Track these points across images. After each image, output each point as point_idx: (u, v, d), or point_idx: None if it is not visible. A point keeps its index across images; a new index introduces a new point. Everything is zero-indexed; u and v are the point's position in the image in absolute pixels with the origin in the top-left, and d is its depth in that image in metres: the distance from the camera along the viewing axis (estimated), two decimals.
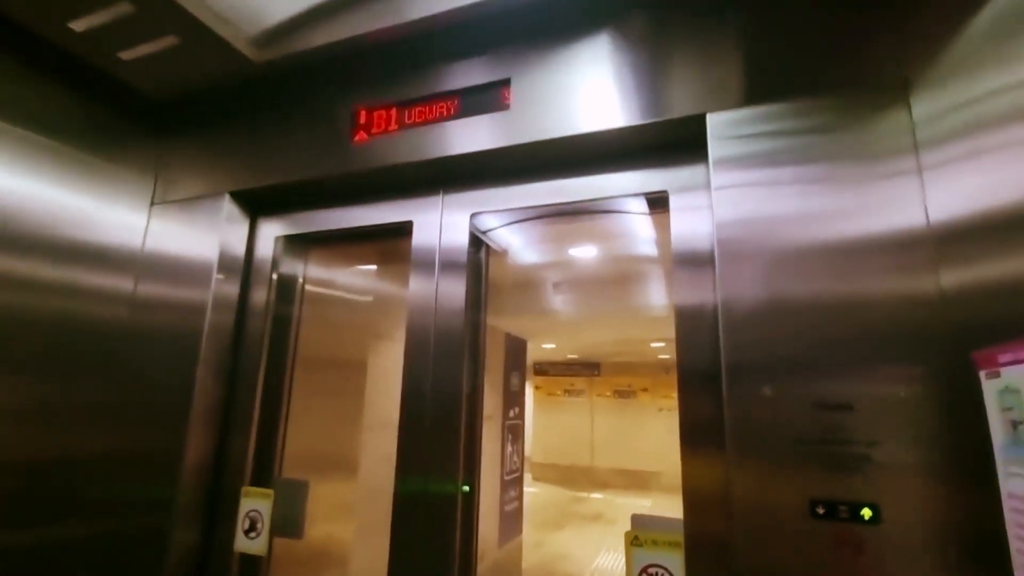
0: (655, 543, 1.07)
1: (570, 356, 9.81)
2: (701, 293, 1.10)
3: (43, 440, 1.38)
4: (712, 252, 1.05)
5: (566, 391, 10.19)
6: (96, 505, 1.44)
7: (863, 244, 0.92)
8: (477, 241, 1.48)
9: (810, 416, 0.88)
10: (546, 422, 9.97)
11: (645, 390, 9.49)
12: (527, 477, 8.47)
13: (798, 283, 0.94)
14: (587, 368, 10.06)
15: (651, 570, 1.06)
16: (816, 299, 0.92)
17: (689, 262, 1.13)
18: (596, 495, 8.67)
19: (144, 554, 1.38)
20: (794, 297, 0.94)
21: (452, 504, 1.25)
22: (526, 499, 4.06)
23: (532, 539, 5.81)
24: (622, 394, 9.77)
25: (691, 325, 1.10)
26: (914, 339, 0.85)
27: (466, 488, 1.32)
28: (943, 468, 0.80)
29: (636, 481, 8.90)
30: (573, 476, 9.44)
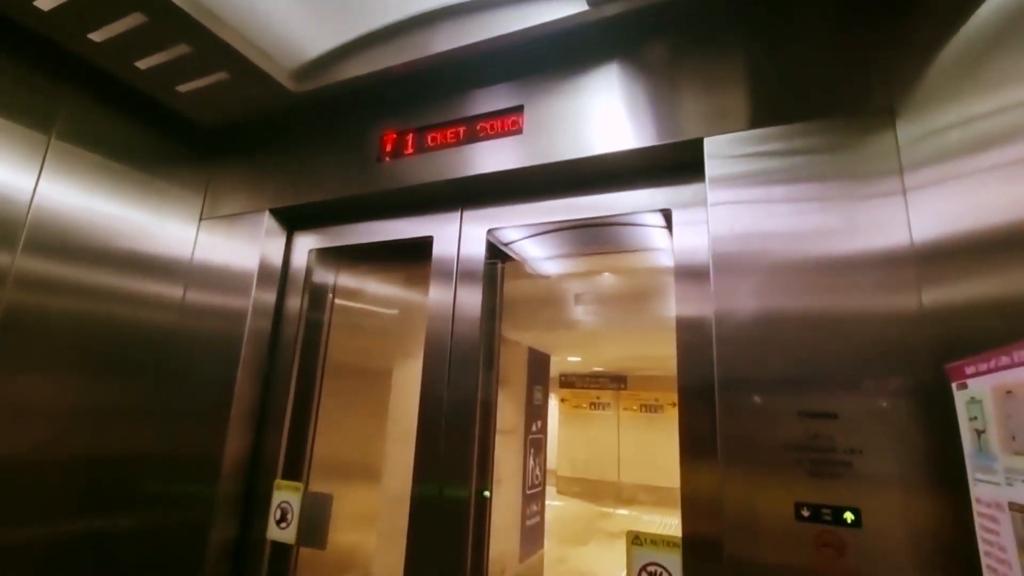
0: (654, 543, 1.12)
1: (595, 369, 9.77)
2: (699, 306, 1.16)
3: (98, 438, 1.53)
4: (708, 266, 1.11)
5: (592, 404, 10.12)
6: (144, 499, 1.58)
7: (850, 262, 0.97)
8: (496, 253, 1.58)
9: (796, 424, 0.93)
10: (572, 435, 9.90)
11: (673, 404, 9.31)
12: (552, 491, 8.39)
13: (787, 297, 1.00)
14: (613, 381, 9.99)
15: (650, 568, 1.11)
16: (804, 313, 0.98)
17: (689, 276, 1.20)
18: (622, 511, 8.53)
19: (187, 544, 1.50)
20: (783, 311, 0.99)
21: (466, 507, 1.33)
22: (551, 513, 4.05)
23: (555, 554, 5.76)
24: (649, 408, 9.65)
25: (690, 337, 1.17)
26: (895, 353, 0.89)
27: (486, 493, 1.40)
28: (921, 475, 0.84)
29: (664, 498, 8.73)
30: (599, 491, 9.32)
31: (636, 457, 9.34)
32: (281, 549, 1.55)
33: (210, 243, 1.80)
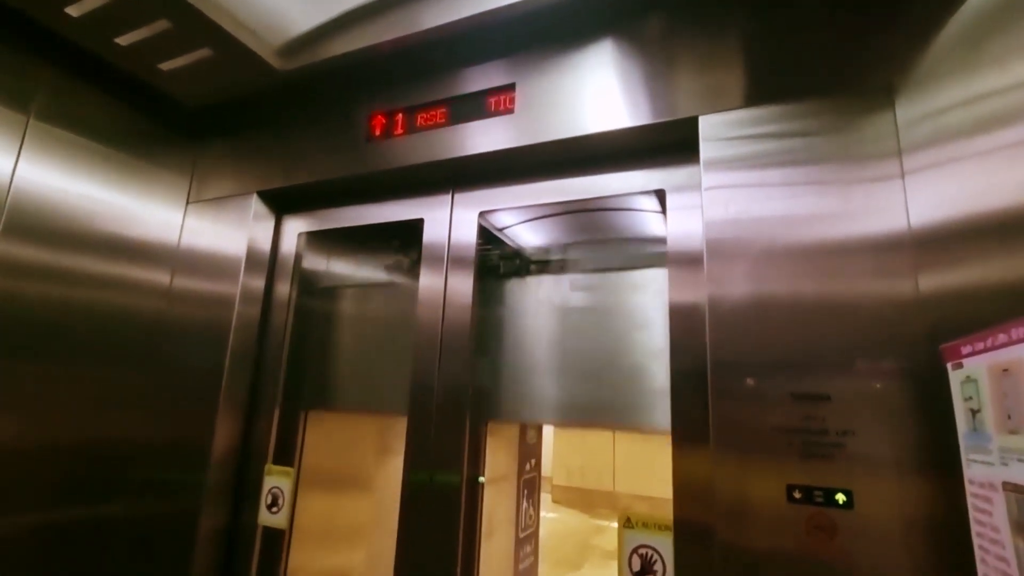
0: (646, 526, 1.12)
1: None
2: (693, 291, 1.15)
3: (84, 426, 1.51)
4: (702, 250, 1.10)
5: None
6: (135, 486, 1.57)
7: (846, 246, 0.95)
8: (489, 239, 1.55)
9: (789, 406, 0.92)
10: (568, 442, 9.81)
11: None
12: (547, 499, 8.26)
13: (782, 282, 0.98)
14: None
15: (641, 550, 1.11)
16: (799, 298, 0.96)
17: (683, 260, 1.18)
18: (616, 525, 8.38)
19: (178, 531, 1.49)
20: (778, 295, 0.98)
21: (457, 493, 1.33)
22: (545, 528, 3.89)
23: None
24: None
25: (683, 322, 1.15)
26: (891, 337, 0.88)
27: (481, 479, 1.40)
28: (914, 458, 0.83)
29: (660, 509, 8.66)
30: (594, 500, 9.24)
31: (631, 466, 9.24)
32: (273, 532, 1.55)
33: (198, 227, 1.77)
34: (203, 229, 1.75)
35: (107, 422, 1.56)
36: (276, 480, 1.50)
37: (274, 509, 1.48)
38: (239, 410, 1.61)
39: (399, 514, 1.37)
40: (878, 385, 0.87)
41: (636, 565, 1.10)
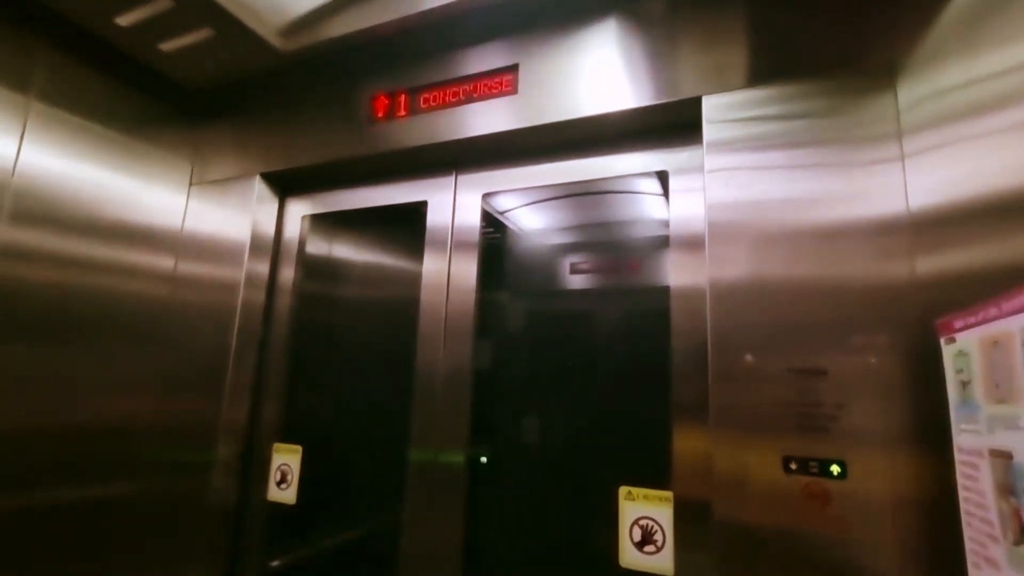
0: (646, 498, 1.16)
1: None
2: (694, 273, 1.17)
3: (96, 408, 1.53)
4: (704, 233, 1.11)
5: None
6: (144, 466, 1.60)
7: (846, 229, 0.97)
8: (492, 223, 1.56)
9: (787, 381, 0.95)
10: None
11: None
12: None
13: (782, 264, 1.00)
14: None
15: (642, 522, 1.15)
16: (799, 279, 0.98)
17: (685, 242, 1.20)
18: None
19: (188, 509, 1.53)
20: (778, 277, 1.00)
21: (459, 473, 1.36)
22: None
23: None
24: None
25: (684, 303, 1.17)
26: (887, 316, 0.91)
27: (483, 459, 1.43)
28: (906, 431, 0.86)
29: None
30: None
31: None
32: (282, 508, 1.58)
33: (201, 211, 1.77)
34: (206, 212, 1.76)
35: (116, 403, 1.58)
36: (285, 457, 1.54)
37: (283, 486, 1.52)
38: (246, 390, 1.64)
39: (405, 493, 1.40)
40: (874, 361, 0.90)
41: (637, 536, 1.15)
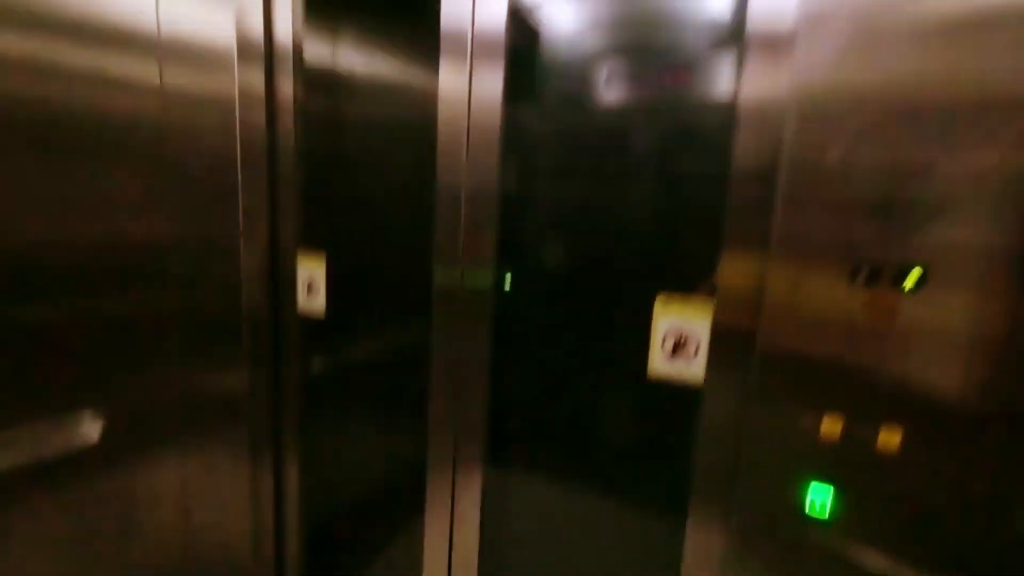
0: (683, 305, 1.11)
1: None
2: (774, 79, 0.93)
3: (108, 225, 1.44)
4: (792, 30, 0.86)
5: None
6: (169, 282, 1.56)
7: (993, 18, 0.72)
8: (519, 21, 1.28)
9: (874, 178, 0.81)
10: None
11: None
12: None
13: (898, 63, 0.78)
14: None
15: (676, 332, 1.12)
16: (919, 72, 0.77)
17: (764, 43, 0.95)
18: None
19: (221, 323, 1.56)
20: (891, 78, 0.79)
21: (485, 297, 1.33)
22: None
23: None
24: None
25: (754, 116, 0.97)
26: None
27: (507, 288, 1.37)
28: (1005, 257, 0.74)
29: None
30: None
31: None
32: (311, 320, 1.61)
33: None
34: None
35: (127, 222, 1.49)
36: (310, 267, 1.52)
37: (311, 296, 1.53)
38: (262, 201, 1.55)
39: (431, 318, 1.39)
40: (997, 160, 0.74)
41: (669, 345, 1.13)
